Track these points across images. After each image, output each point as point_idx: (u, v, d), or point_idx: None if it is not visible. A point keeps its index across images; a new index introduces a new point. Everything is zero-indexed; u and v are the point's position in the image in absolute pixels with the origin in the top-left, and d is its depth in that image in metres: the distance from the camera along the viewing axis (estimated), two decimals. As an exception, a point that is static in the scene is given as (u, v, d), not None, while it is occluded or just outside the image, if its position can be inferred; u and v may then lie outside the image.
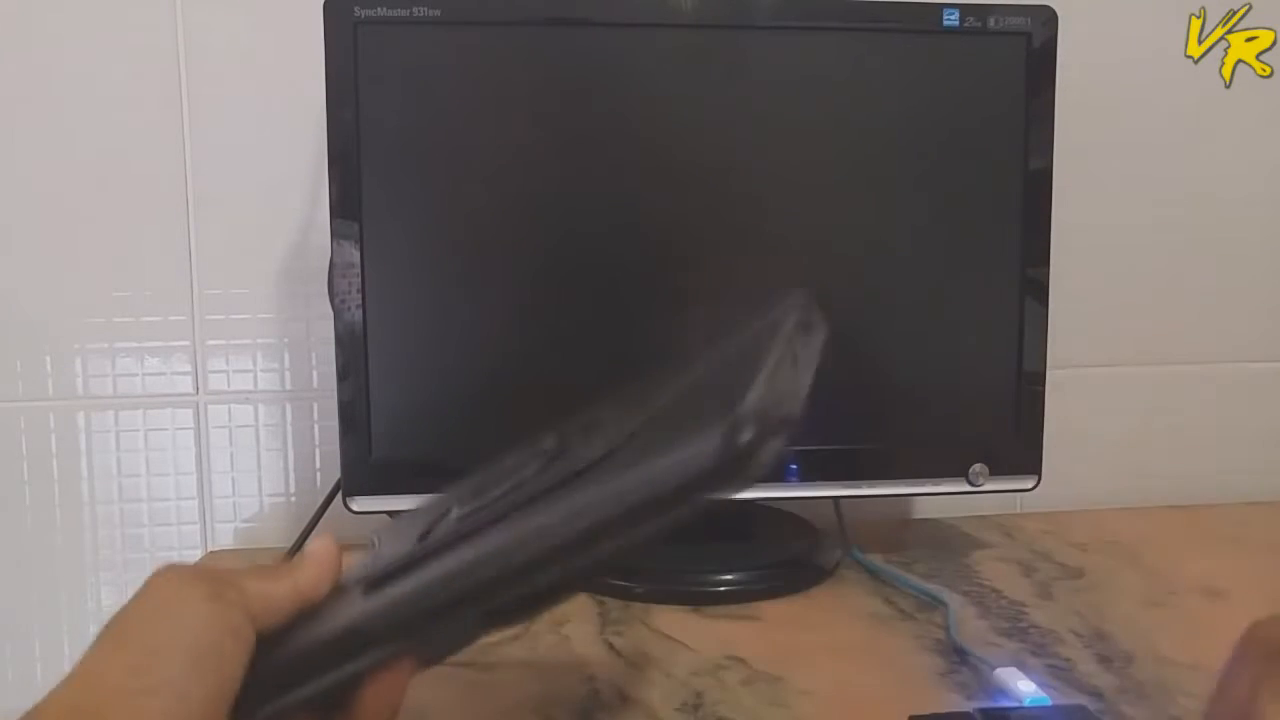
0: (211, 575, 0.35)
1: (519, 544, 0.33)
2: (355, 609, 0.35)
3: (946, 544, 0.73)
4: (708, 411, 0.32)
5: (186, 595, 0.33)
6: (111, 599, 0.76)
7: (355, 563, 0.40)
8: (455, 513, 0.39)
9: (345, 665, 0.34)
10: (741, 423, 0.29)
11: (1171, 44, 0.82)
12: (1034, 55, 0.64)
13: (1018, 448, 0.66)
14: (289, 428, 0.77)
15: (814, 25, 0.63)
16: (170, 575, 0.35)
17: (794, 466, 0.64)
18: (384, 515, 0.66)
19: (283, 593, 0.36)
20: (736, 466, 0.29)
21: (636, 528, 0.31)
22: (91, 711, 0.29)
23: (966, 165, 0.64)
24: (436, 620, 0.34)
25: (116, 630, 0.33)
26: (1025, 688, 0.46)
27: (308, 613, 0.37)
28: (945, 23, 0.63)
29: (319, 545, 0.39)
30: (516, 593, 0.33)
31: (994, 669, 0.48)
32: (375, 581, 0.36)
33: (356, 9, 0.59)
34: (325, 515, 0.67)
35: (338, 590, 0.38)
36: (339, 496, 0.63)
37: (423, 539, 0.38)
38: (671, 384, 0.38)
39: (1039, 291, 0.65)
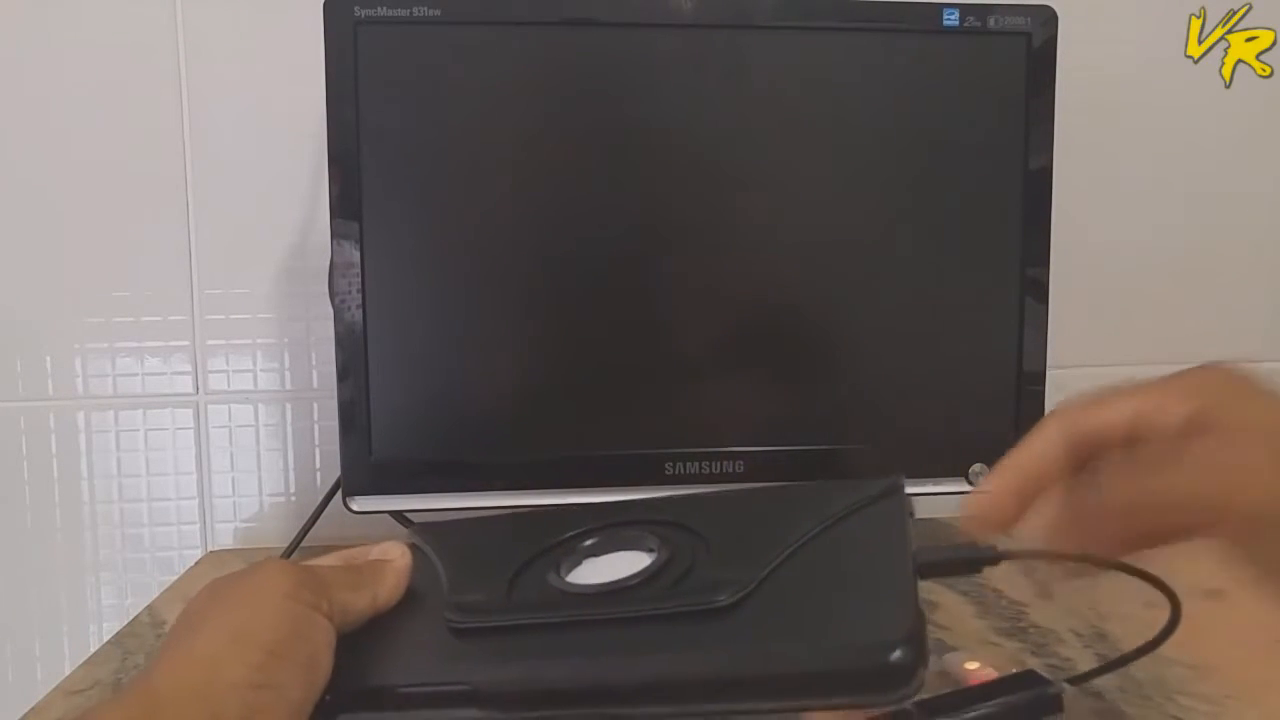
0: (312, 580, 0.37)
1: (669, 668, 0.34)
2: (466, 661, 0.37)
3: (946, 544, 0.73)
4: (857, 607, 0.35)
5: (298, 598, 0.35)
6: (111, 599, 0.76)
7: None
8: (557, 577, 0.40)
9: (445, 712, 0.36)
10: (903, 644, 0.32)
11: (1171, 44, 0.82)
12: (1034, 55, 0.64)
13: (1018, 448, 0.65)
14: (289, 428, 0.77)
15: (814, 25, 0.63)
16: (281, 574, 0.36)
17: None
18: (384, 515, 0.66)
19: (362, 606, 0.38)
20: (896, 681, 0.32)
21: (780, 698, 0.33)
22: (214, 701, 0.31)
23: (966, 165, 0.64)
24: (554, 709, 0.35)
25: (229, 620, 0.34)
26: (970, 667, 0.46)
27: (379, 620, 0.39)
28: (945, 23, 0.63)
29: (399, 558, 0.41)
30: (651, 711, 0.35)
31: (941, 655, 0.49)
32: (466, 627, 0.38)
33: (356, 9, 0.59)
34: (325, 515, 0.67)
35: (409, 605, 0.40)
36: (339, 496, 0.63)
37: (513, 584, 0.40)
38: (778, 528, 0.40)
39: (1039, 291, 0.65)
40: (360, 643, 0.38)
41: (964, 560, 0.38)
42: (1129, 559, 0.38)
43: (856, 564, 0.38)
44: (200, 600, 0.36)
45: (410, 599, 0.41)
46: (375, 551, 0.42)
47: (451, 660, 0.37)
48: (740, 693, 0.33)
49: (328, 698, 0.35)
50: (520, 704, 0.35)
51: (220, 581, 0.37)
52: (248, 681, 0.32)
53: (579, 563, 0.42)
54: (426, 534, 0.44)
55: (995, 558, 0.37)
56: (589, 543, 0.43)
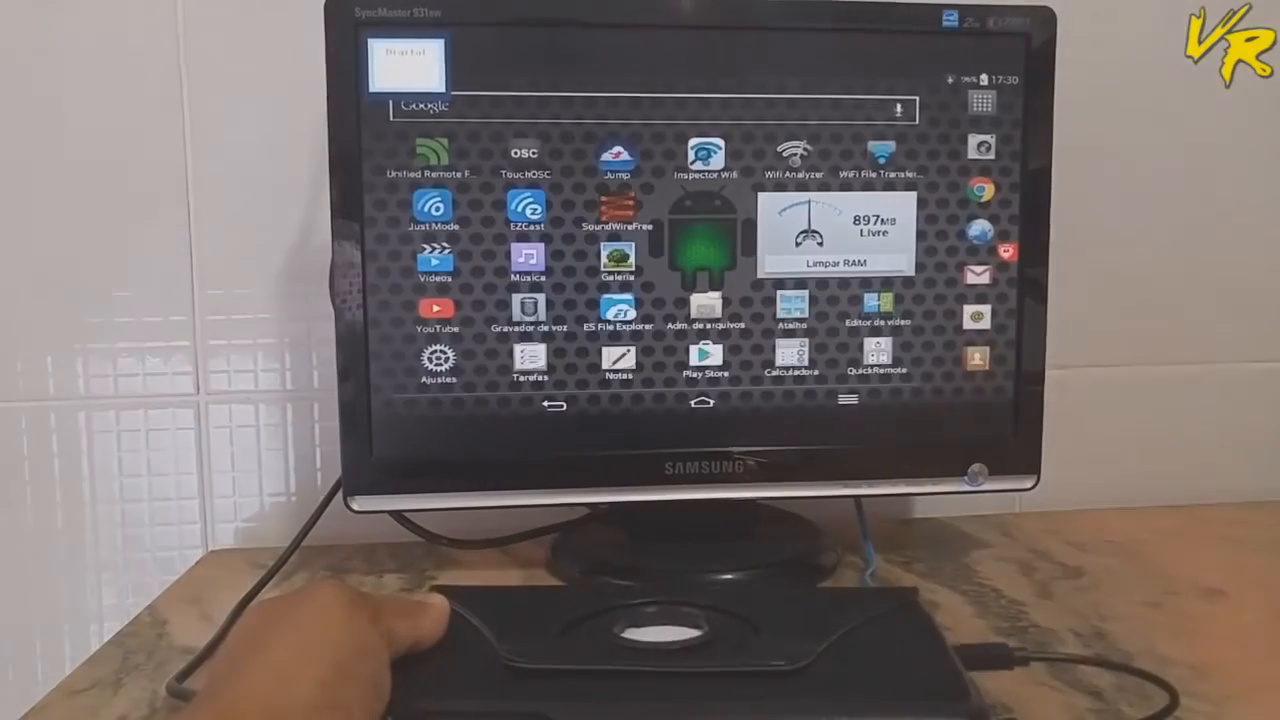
0: (366, 601, 0.37)
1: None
2: (531, 695, 0.37)
3: (946, 544, 0.73)
4: (915, 680, 0.39)
5: (358, 619, 0.35)
6: (112, 599, 0.76)
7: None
8: (612, 635, 0.42)
9: None
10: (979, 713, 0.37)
11: (1171, 44, 0.82)
12: (1034, 55, 0.64)
13: (1017, 448, 0.66)
14: (289, 428, 0.77)
15: (814, 25, 0.63)
16: (338, 593, 0.36)
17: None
18: (385, 515, 0.66)
19: (405, 632, 0.38)
20: None
21: None
22: (283, 717, 0.31)
23: (966, 165, 0.64)
24: None
25: (295, 637, 0.34)
26: None
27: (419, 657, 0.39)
28: (945, 23, 0.63)
29: (440, 603, 0.41)
30: None
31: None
32: (526, 667, 0.38)
33: (356, 9, 0.59)
34: (325, 515, 0.67)
35: (454, 649, 0.40)
36: (339, 496, 0.63)
37: (566, 637, 0.41)
38: (818, 619, 0.43)
39: (1039, 291, 0.65)
40: (413, 673, 0.38)
41: (994, 657, 0.44)
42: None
43: (901, 650, 0.42)
44: (257, 618, 0.36)
45: (453, 645, 0.41)
46: (416, 597, 0.42)
47: (515, 692, 0.37)
48: None
49: (389, 719, 0.35)
50: None
51: (274, 600, 0.37)
52: (316, 701, 0.31)
53: (629, 627, 0.43)
54: (459, 596, 0.44)
55: (1025, 659, 0.45)
56: (637, 613, 0.44)
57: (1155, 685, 0.46)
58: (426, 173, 0.61)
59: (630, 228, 0.62)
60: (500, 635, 0.41)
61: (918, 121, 0.63)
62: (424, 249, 0.61)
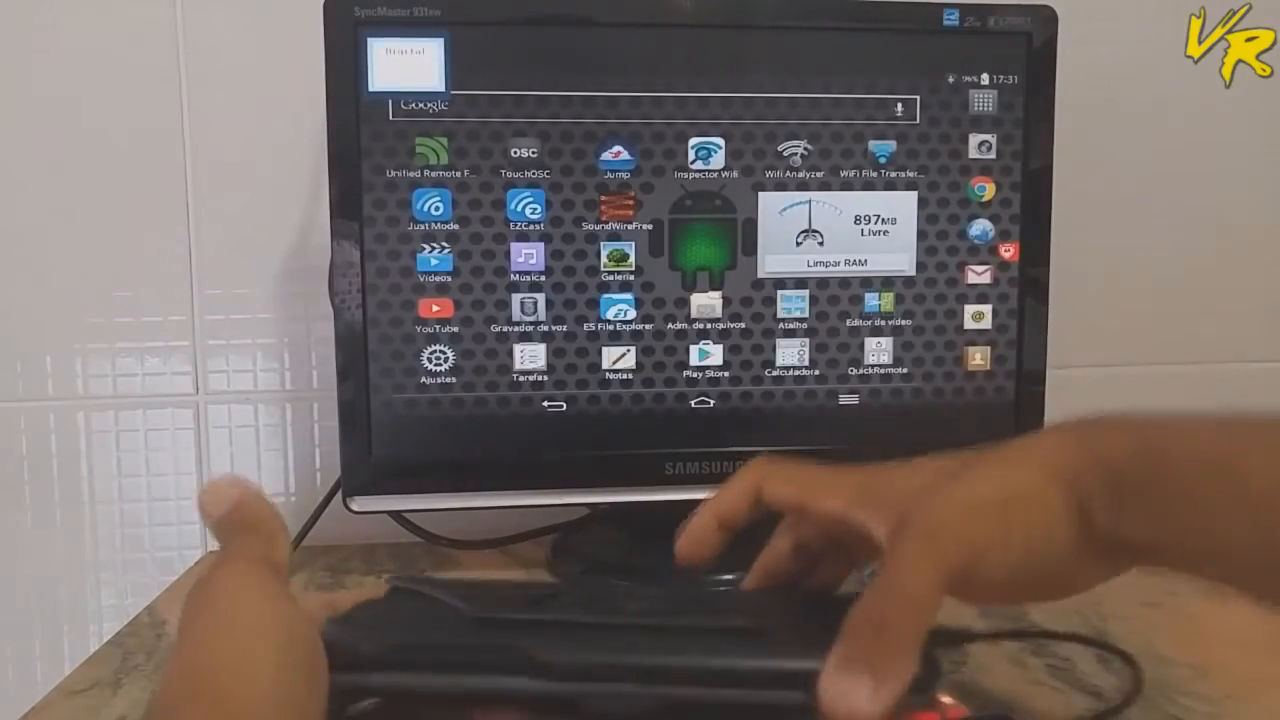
0: (267, 564, 0.34)
1: (712, 654, 0.36)
2: (513, 636, 0.36)
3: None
4: None
5: (269, 591, 0.33)
6: (111, 599, 0.76)
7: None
8: (573, 596, 0.41)
9: (493, 678, 0.34)
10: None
11: (1171, 44, 0.82)
12: (1034, 55, 0.64)
13: (1018, 448, 0.65)
14: (289, 428, 0.77)
15: (814, 25, 0.63)
16: (254, 577, 0.33)
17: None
18: (384, 515, 0.66)
19: (317, 601, 0.36)
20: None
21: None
22: None
23: (967, 164, 0.64)
24: (611, 683, 0.35)
25: (228, 639, 0.32)
26: (945, 700, 0.46)
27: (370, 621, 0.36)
28: (945, 23, 0.63)
29: (239, 489, 0.36)
30: (704, 694, 0.35)
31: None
32: (494, 619, 0.37)
33: (356, 9, 0.59)
34: (325, 515, 0.67)
35: (417, 612, 0.38)
36: (339, 496, 0.63)
37: (536, 605, 0.40)
38: (779, 615, 0.44)
39: (1039, 291, 0.65)
40: (382, 622, 0.36)
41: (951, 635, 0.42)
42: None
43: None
44: (188, 620, 0.33)
45: (417, 611, 0.38)
46: (223, 497, 0.35)
47: (486, 636, 0.35)
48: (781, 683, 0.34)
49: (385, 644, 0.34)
50: (578, 676, 0.34)
51: (196, 599, 0.33)
52: (263, 696, 0.30)
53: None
54: (412, 582, 0.43)
55: (971, 637, 0.42)
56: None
57: (1146, 677, 0.46)
58: (426, 172, 0.61)
59: (630, 227, 0.62)
60: (468, 603, 0.39)
61: (918, 121, 0.63)
62: (423, 249, 0.61)
